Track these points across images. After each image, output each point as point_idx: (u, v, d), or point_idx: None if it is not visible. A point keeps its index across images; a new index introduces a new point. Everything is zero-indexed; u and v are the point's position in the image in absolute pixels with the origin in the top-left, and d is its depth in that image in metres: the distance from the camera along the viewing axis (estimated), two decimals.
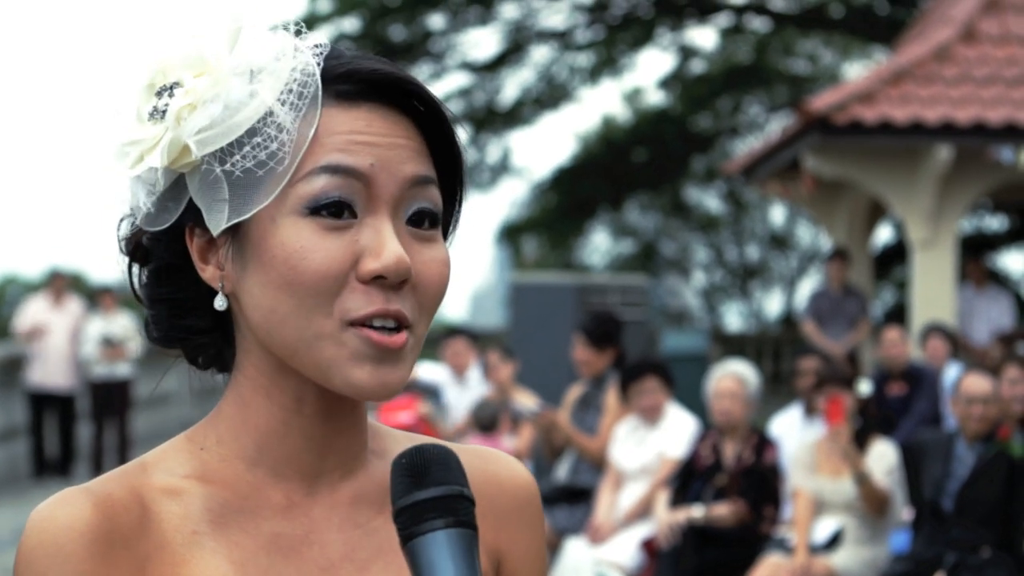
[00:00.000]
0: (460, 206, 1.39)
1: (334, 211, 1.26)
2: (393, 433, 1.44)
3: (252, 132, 1.27)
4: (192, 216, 1.31)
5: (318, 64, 1.30)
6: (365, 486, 1.35)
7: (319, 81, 1.29)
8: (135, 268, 1.38)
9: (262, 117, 1.27)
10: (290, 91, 1.28)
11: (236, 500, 1.32)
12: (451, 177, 1.36)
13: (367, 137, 1.28)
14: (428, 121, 1.33)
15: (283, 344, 1.29)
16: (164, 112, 1.29)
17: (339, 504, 1.35)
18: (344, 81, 1.30)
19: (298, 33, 1.32)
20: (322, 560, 1.33)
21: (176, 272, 1.34)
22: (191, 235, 1.32)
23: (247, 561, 1.30)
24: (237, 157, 1.27)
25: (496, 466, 1.45)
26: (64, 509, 1.27)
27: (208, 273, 1.32)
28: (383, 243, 1.26)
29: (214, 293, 1.33)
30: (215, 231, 1.29)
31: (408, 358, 1.29)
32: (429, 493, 1.18)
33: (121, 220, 1.37)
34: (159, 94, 1.30)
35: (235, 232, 1.30)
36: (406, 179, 1.29)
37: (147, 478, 1.32)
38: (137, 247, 1.36)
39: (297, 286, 1.26)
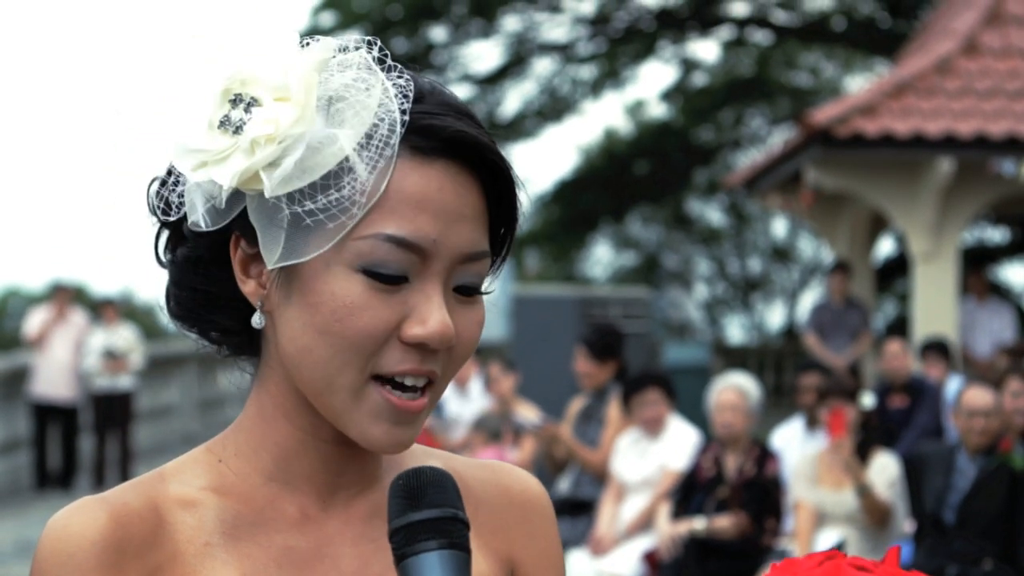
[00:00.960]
0: (506, 255, 1.37)
1: (388, 280, 1.25)
2: (411, 448, 1.43)
3: (326, 176, 1.25)
4: (240, 227, 1.29)
5: (402, 110, 1.26)
6: (380, 502, 1.34)
7: (398, 133, 1.26)
8: (163, 235, 1.35)
9: (340, 162, 1.24)
10: (369, 138, 1.25)
11: (250, 513, 1.33)
12: (503, 226, 1.34)
13: (435, 205, 1.26)
14: (494, 179, 1.31)
15: (309, 382, 1.29)
16: (238, 127, 1.26)
17: (353, 519, 1.36)
18: (422, 135, 1.27)
19: (382, 61, 1.28)
20: (334, 574, 1.33)
21: (214, 267, 1.32)
22: (236, 244, 1.30)
23: (257, 574, 1.31)
24: (308, 201, 1.24)
25: (507, 478, 1.46)
26: (78, 518, 1.28)
27: (249, 288, 1.31)
28: (431, 311, 1.26)
29: (246, 298, 1.31)
30: (269, 264, 1.27)
31: (423, 417, 1.31)
32: (424, 515, 1.20)
33: (152, 181, 1.33)
34: (233, 103, 1.27)
35: None
36: (463, 255, 1.28)
37: (164, 488, 1.32)
38: (176, 225, 1.33)
39: (340, 338, 1.26)
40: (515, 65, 23.43)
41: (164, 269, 1.36)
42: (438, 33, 22.50)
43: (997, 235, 22.87)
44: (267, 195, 1.25)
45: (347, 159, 1.24)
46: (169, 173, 1.32)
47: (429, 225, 1.26)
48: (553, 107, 24.67)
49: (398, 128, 1.26)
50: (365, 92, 1.26)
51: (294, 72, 1.26)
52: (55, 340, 14.46)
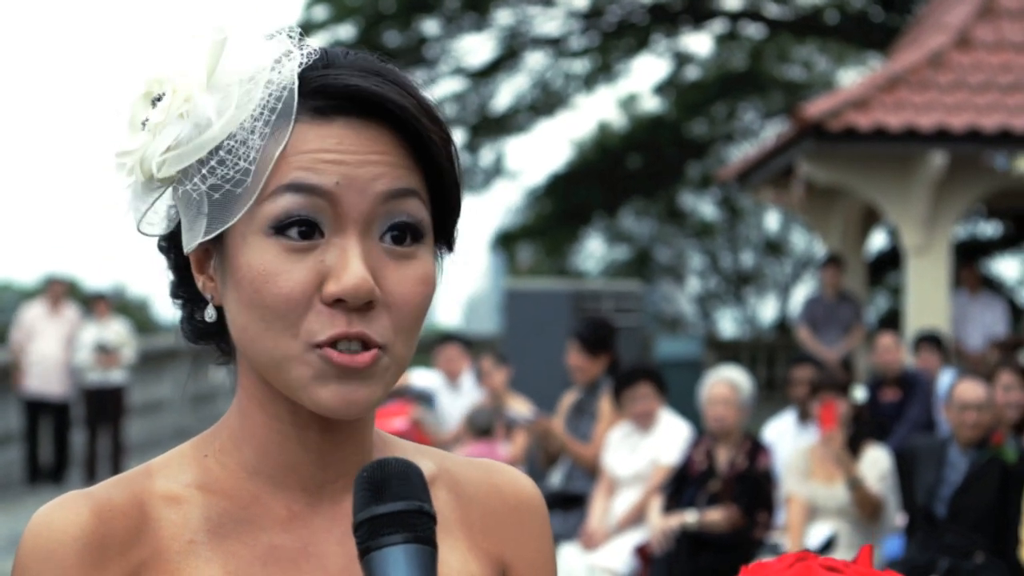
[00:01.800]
0: (455, 216, 1.34)
1: (302, 231, 1.24)
2: (402, 444, 1.43)
3: (217, 151, 1.25)
4: None
5: (299, 76, 1.26)
6: None
7: (294, 97, 1.25)
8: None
9: (230, 135, 1.25)
10: (261, 109, 1.25)
11: (236, 510, 1.32)
12: (441, 188, 1.31)
13: (335, 155, 1.24)
14: (412, 132, 1.28)
15: (256, 362, 1.29)
16: (147, 122, 1.28)
17: (340, 516, 1.34)
18: (318, 96, 1.26)
19: (300, 37, 1.29)
20: (320, 572, 1.32)
21: (187, 273, 1.34)
22: None
23: (242, 572, 1.29)
24: (197, 179, 1.25)
25: (500, 478, 1.44)
26: (60, 513, 1.28)
27: (200, 283, 1.32)
28: (345, 265, 1.23)
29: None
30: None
31: (380, 377, 1.26)
32: (388, 508, 1.16)
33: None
34: (153, 103, 1.29)
35: (219, 246, 1.28)
36: (377, 195, 1.25)
37: (150, 484, 1.32)
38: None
39: (263, 309, 1.24)
40: (508, 59, 23.42)
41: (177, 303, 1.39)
42: (431, 26, 22.49)
43: (989, 229, 22.91)
44: (156, 176, 1.27)
45: (237, 131, 1.25)
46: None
47: (331, 169, 1.24)
48: (546, 101, 24.66)
49: (293, 91, 1.25)
50: (263, 68, 1.26)
51: (187, 60, 1.28)
52: (47, 335, 14.43)
